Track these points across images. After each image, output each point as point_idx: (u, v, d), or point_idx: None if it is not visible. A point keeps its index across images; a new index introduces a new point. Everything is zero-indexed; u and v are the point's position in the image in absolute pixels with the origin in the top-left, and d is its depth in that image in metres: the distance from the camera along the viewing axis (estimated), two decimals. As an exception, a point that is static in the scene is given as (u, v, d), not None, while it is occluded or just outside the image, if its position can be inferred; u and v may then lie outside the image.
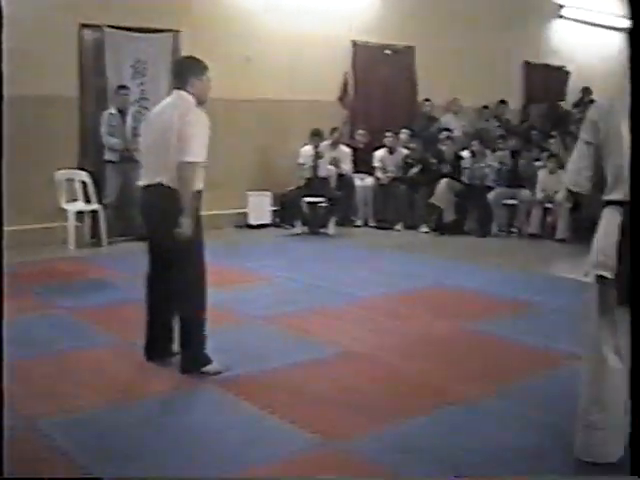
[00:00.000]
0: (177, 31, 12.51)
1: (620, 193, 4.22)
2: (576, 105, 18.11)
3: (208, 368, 5.95)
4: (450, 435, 4.98)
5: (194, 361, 5.96)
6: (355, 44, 15.08)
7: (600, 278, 4.32)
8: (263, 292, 8.94)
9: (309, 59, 14.07)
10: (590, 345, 4.45)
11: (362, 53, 15.19)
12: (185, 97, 5.92)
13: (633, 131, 3.80)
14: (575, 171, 4.46)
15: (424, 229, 13.70)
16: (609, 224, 4.27)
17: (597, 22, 19.73)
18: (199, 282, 5.94)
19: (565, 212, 12.87)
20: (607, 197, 4.31)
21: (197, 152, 5.70)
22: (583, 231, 12.73)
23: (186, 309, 5.97)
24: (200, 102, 5.97)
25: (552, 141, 14.06)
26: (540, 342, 7.11)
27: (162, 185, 5.78)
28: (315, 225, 13.21)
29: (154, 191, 5.89)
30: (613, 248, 4.20)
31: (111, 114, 11.72)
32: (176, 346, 6.12)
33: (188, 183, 5.68)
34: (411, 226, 13.86)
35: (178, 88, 6.00)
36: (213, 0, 13.19)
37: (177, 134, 5.72)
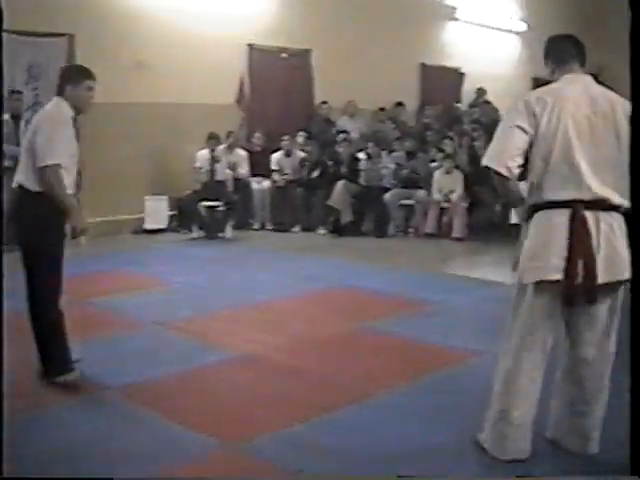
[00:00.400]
0: (72, 35, 12.34)
1: (571, 193, 4.22)
2: (472, 106, 18.41)
3: (64, 377, 5.88)
4: (353, 434, 5.04)
5: (52, 369, 5.89)
6: (252, 47, 15.04)
7: (541, 282, 4.32)
8: (161, 298, 8.89)
9: (205, 62, 13.98)
10: (516, 344, 4.44)
11: (258, 56, 15.17)
12: (59, 104, 5.88)
13: (633, 132, 3.83)
14: (505, 155, 4.28)
15: (322, 231, 13.77)
16: (557, 226, 4.25)
17: (491, 25, 20.02)
18: (47, 288, 5.83)
19: (461, 211, 13.11)
20: (554, 197, 4.28)
21: (50, 155, 5.66)
22: (479, 230, 13.09)
23: (35, 317, 5.90)
24: (78, 110, 5.93)
25: (447, 142, 14.26)
26: (440, 340, 7.25)
27: (20, 187, 5.79)
28: (213, 229, 13.14)
29: (15, 193, 5.88)
30: (564, 251, 4.21)
31: (4, 120, 11.51)
32: (73, 355, 6.03)
33: (53, 186, 5.65)
34: (308, 228, 13.91)
35: (58, 95, 5.98)
36: (108, 3, 13.03)
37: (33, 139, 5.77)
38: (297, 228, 13.95)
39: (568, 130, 4.22)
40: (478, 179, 13.56)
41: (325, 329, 7.62)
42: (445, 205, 13.42)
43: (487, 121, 17.02)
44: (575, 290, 4.21)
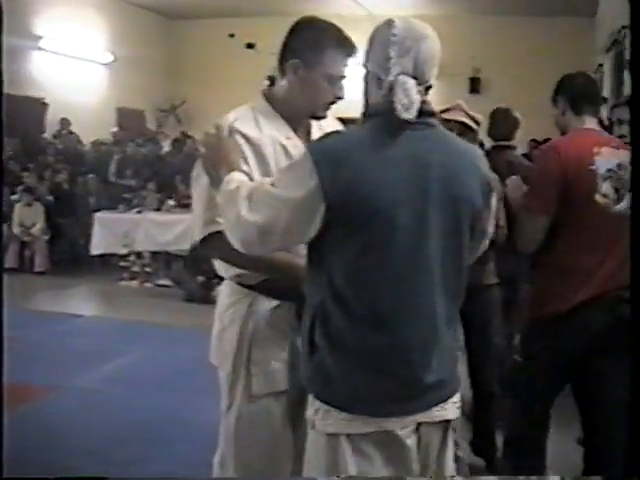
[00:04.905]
0: None
1: None
2: (56, 137, 18.17)
3: None
4: None
5: None
6: None
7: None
8: None
9: None
10: None
11: None
12: None
13: (633, 134, 3.17)
14: None
15: None
16: None
17: (77, 55, 19.85)
18: None
19: (43, 245, 12.96)
20: None
21: None
22: (62, 263, 13.01)
23: None
24: None
25: (28, 174, 14.01)
26: (20, 377, 7.06)
27: None
28: None
29: None
30: None
31: None
32: None
33: None
34: None
35: None
36: None
37: None
38: None
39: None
40: (60, 211, 13.46)
41: None
42: (26, 239, 13.18)
43: (71, 152, 16.90)
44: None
